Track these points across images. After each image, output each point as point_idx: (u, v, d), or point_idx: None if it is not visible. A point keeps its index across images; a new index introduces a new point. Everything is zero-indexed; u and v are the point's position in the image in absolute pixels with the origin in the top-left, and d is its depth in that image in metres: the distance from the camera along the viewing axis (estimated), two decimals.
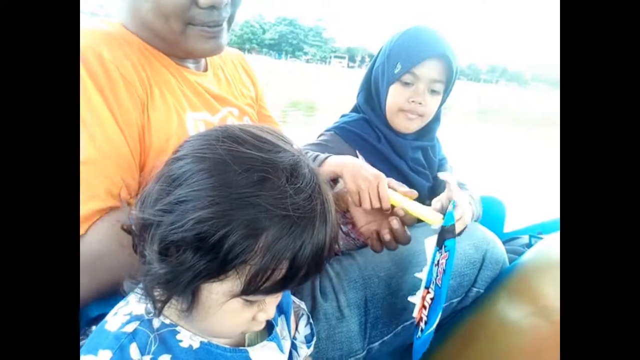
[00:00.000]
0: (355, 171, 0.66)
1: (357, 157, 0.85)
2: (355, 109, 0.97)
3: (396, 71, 0.83)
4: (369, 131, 0.88)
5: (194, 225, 0.34)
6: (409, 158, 0.89)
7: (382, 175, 0.66)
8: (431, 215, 0.61)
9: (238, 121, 0.74)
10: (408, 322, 0.72)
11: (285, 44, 61.50)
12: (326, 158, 0.72)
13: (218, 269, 0.36)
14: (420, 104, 0.84)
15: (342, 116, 0.96)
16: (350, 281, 0.74)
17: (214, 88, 0.73)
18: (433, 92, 0.85)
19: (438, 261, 0.58)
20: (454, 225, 0.58)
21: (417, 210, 0.63)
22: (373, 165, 0.72)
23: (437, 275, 0.58)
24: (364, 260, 0.77)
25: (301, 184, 0.37)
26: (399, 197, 0.64)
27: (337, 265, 0.78)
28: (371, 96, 0.91)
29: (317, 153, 0.74)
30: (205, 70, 0.75)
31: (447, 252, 0.57)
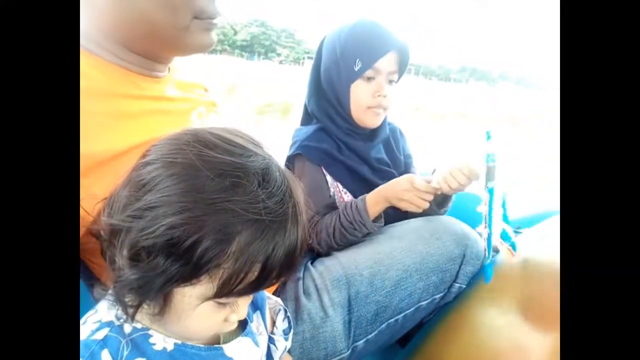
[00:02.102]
0: (395, 193, 0.79)
1: (323, 175, 0.86)
2: (306, 117, 0.95)
3: (357, 68, 0.83)
4: (329, 142, 0.88)
5: (165, 231, 0.34)
6: (372, 160, 0.90)
7: (409, 178, 0.78)
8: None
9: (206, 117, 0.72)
10: (392, 320, 0.72)
11: (258, 45, 61.08)
12: (364, 201, 0.80)
13: (190, 273, 0.35)
14: (385, 96, 0.85)
15: (298, 130, 0.94)
16: (333, 280, 0.73)
17: (179, 93, 0.69)
18: (390, 82, 0.86)
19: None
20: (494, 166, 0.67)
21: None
22: (337, 178, 0.85)
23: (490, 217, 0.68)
24: (346, 259, 0.76)
25: (273, 187, 0.38)
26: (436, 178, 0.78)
27: (320, 266, 0.77)
28: (326, 100, 0.90)
29: (352, 201, 0.82)
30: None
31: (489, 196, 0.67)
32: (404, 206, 0.80)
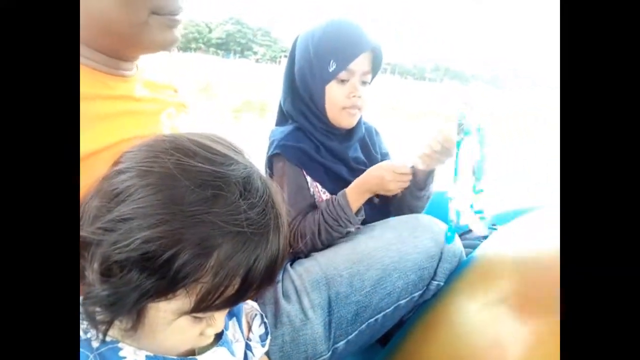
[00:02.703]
0: (380, 185, 0.81)
1: (303, 174, 0.85)
2: (281, 117, 0.94)
3: (331, 70, 0.82)
4: (307, 142, 0.87)
5: (140, 244, 0.32)
6: (350, 159, 0.90)
7: (389, 167, 0.80)
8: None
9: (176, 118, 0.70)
10: (372, 320, 0.72)
11: (234, 44, 60.32)
12: (345, 197, 0.81)
13: (167, 288, 0.33)
14: (359, 97, 0.85)
15: (274, 129, 0.93)
16: (313, 282, 0.73)
17: (147, 93, 0.66)
18: (364, 83, 0.86)
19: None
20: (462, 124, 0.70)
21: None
22: (316, 178, 0.86)
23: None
24: (326, 260, 0.76)
25: (254, 197, 0.36)
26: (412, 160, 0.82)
27: (299, 268, 0.77)
28: (301, 101, 0.89)
29: (333, 198, 0.83)
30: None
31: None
32: (390, 194, 0.83)
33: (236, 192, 0.35)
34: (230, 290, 0.35)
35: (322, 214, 0.82)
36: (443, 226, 0.77)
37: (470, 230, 0.98)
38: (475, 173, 0.69)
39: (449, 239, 0.72)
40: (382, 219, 0.86)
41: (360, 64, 0.84)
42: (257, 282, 0.36)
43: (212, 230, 0.33)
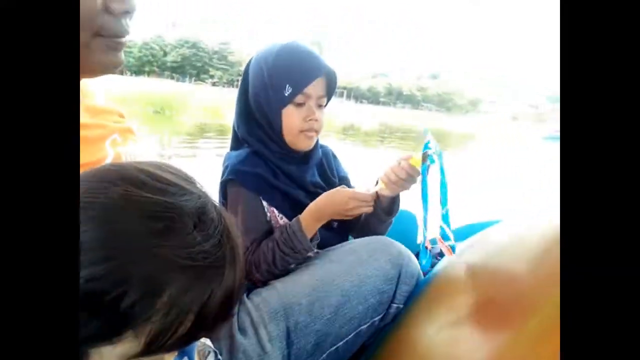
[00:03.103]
0: (339, 211, 0.80)
1: (259, 200, 0.83)
2: (236, 142, 0.92)
3: (287, 94, 0.82)
4: (263, 167, 0.85)
5: (83, 284, 0.29)
6: (308, 184, 0.89)
7: (348, 194, 0.80)
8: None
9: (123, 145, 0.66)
10: (333, 349, 0.70)
11: (190, 67, 59.62)
12: (299, 224, 0.79)
13: (112, 331, 0.30)
14: (316, 120, 0.85)
15: (229, 154, 0.90)
16: (270, 312, 0.70)
17: (90, 119, 0.63)
18: (319, 106, 0.87)
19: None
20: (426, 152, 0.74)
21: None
22: (273, 204, 0.85)
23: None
24: (284, 288, 0.73)
25: (209, 229, 0.34)
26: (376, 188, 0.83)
27: (256, 298, 0.73)
28: (257, 125, 0.88)
29: (287, 225, 0.81)
30: None
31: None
32: (351, 217, 0.82)
33: (190, 224, 0.33)
34: (183, 329, 0.32)
35: (277, 242, 0.79)
36: (401, 247, 0.77)
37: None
38: (441, 201, 0.71)
39: (422, 265, 0.73)
40: (340, 241, 0.86)
41: (315, 88, 0.84)
42: (212, 319, 0.34)
43: (163, 265, 0.31)
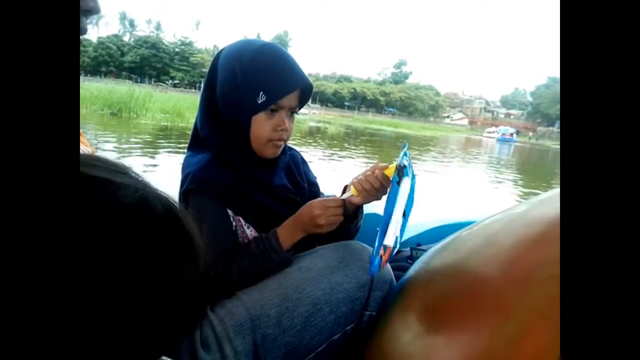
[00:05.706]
0: (311, 221, 0.76)
1: (225, 210, 0.78)
2: (196, 142, 0.84)
3: (260, 101, 0.76)
4: (227, 174, 0.78)
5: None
6: (275, 188, 0.83)
7: (319, 203, 0.76)
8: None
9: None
10: None
11: (149, 68, 57.38)
12: (277, 237, 0.76)
13: None
14: (286, 130, 0.81)
15: (189, 157, 0.83)
16: (236, 326, 0.65)
17: None
18: (292, 114, 0.83)
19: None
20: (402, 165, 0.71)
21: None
22: (239, 213, 0.79)
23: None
24: (251, 299, 0.69)
25: (155, 223, 0.30)
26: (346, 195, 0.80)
27: (221, 310, 0.68)
28: (223, 127, 0.80)
29: (263, 237, 0.77)
30: None
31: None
32: (324, 230, 0.77)
33: (128, 222, 0.29)
34: (135, 341, 0.28)
35: (253, 255, 0.74)
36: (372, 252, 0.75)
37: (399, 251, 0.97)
38: (404, 213, 0.69)
39: (370, 271, 0.69)
40: (309, 247, 0.82)
41: (290, 99, 0.79)
42: (170, 327, 0.30)
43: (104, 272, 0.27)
